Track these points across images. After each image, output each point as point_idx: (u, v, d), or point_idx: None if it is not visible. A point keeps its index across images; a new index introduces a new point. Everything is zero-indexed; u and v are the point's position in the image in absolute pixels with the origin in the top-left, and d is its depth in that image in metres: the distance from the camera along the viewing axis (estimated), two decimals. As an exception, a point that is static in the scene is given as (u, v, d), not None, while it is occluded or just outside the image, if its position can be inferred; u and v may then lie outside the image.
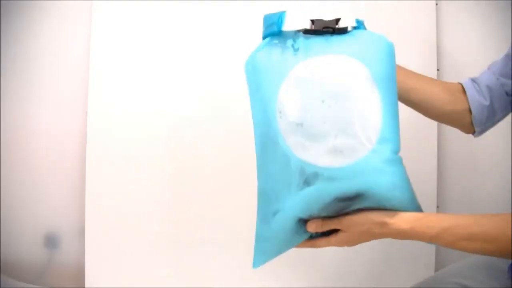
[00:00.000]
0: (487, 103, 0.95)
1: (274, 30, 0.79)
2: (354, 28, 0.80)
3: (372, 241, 0.78)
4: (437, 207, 1.37)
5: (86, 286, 1.28)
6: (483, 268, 0.91)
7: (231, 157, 1.30)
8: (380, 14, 1.31)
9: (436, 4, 1.35)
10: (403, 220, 0.73)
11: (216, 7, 1.29)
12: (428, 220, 0.73)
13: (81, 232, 1.30)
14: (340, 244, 0.78)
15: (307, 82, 0.75)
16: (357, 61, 0.75)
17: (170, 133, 1.30)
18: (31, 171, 1.35)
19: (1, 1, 1.31)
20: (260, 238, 0.80)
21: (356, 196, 0.73)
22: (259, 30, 1.30)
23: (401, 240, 0.77)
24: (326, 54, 0.76)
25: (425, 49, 1.35)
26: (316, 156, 0.73)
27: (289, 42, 0.78)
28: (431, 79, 1.00)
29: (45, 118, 1.35)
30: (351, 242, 0.78)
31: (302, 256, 1.29)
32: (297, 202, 0.74)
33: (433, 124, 1.32)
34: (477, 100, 0.96)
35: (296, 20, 0.81)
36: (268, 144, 0.77)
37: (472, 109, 0.96)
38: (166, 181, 1.30)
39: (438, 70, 1.35)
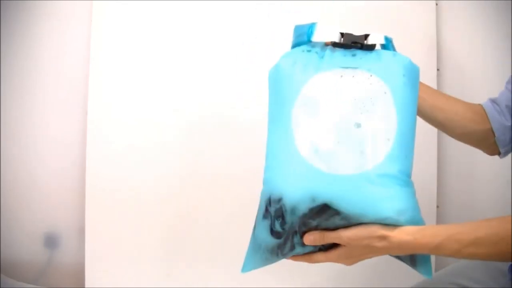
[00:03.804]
0: (508, 123, 0.94)
1: (303, 40, 0.80)
2: (382, 45, 0.80)
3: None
4: (437, 207, 1.37)
5: (86, 286, 1.28)
6: (483, 269, 0.91)
7: (234, 158, 1.29)
8: (380, 14, 1.31)
9: (436, 4, 1.35)
10: (404, 232, 0.71)
11: (218, 8, 1.29)
12: (430, 230, 0.72)
13: (81, 232, 1.30)
14: (339, 259, 0.76)
15: (327, 90, 0.75)
16: (382, 82, 0.75)
17: (170, 134, 1.29)
18: (31, 171, 1.35)
19: (1, 1, 1.31)
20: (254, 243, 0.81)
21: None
22: (261, 31, 1.31)
23: (403, 255, 0.75)
24: (352, 68, 0.76)
25: (425, 49, 1.34)
26: (323, 161, 0.72)
27: (316, 50, 0.78)
28: (455, 98, 0.99)
29: (45, 118, 1.35)
30: (351, 259, 0.76)
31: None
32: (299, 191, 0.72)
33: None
34: (498, 120, 0.95)
35: (326, 33, 0.80)
36: (280, 134, 0.76)
37: (494, 130, 0.95)
38: (166, 181, 1.30)
39: (438, 70, 1.35)
